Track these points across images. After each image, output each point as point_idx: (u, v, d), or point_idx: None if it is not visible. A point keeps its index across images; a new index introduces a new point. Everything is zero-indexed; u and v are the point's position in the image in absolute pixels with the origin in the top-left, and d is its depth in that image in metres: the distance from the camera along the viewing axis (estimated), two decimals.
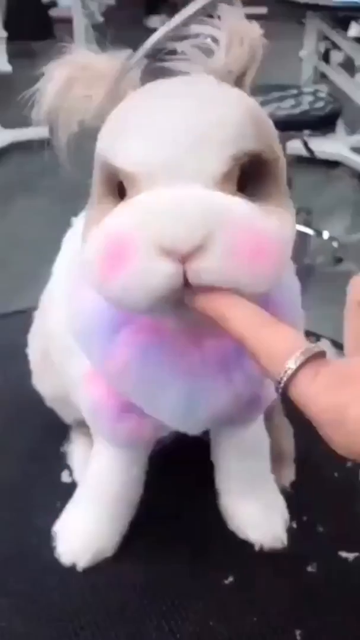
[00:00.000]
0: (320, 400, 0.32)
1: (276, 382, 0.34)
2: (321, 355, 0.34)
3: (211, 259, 0.36)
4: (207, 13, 0.45)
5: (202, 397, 0.48)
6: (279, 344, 0.34)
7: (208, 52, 0.44)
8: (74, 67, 0.45)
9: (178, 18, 0.45)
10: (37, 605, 0.57)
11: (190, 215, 0.36)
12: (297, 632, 0.55)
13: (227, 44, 0.44)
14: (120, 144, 0.40)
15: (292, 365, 0.33)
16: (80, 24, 3.70)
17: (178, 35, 0.46)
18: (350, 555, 0.61)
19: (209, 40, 0.45)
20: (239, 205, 0.38)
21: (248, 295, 0.38)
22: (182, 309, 0.39)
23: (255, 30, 0.45)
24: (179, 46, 0.45)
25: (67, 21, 3.86)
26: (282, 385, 0.33)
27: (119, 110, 0.42)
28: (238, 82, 0.44)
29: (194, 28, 0.45)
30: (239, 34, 0.44)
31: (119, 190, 0.41)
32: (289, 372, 0.33)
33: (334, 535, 0.63)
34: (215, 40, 0.44)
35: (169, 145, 0.38)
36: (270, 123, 0.43)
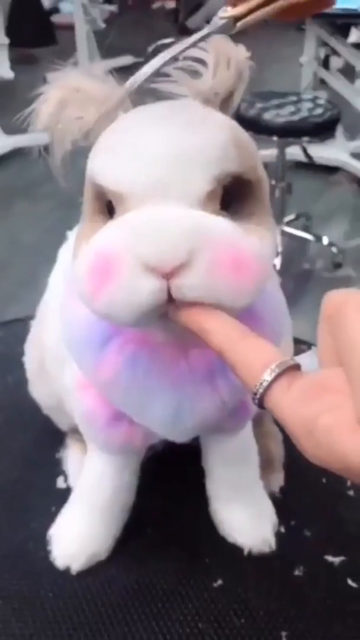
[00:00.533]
0: (293, 411, 0.34)
1: (252, 393, 0.35)
2: (295, 368, 0.35)
3: (194, 275, 0.38)
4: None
5: (189, 405, 0.50)
6: (256, 357, 0.36)
7: (195, 74, 0.46)
8: (67, 89, 0.47)
9: (177, 48, 0.47)
10: (32, 607, 0.59)
11: (173, 234, 0.38)
12: (284, 634, 0.57)
13: (214, 66, 0.45)
14: (109, 164, 0.42)
15: (267, 377, 0.35)
16: (82, 31, 3.72)
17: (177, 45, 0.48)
18: (335, 559, 0.63)
19: (196, 62, 0.46)
20: (220, 224, 0.40)
21: (229, 310, 0.39)
22: (167, 322, 0.41)
23: (241, 52, 0.46)
24: (167, 68, 0.47)
25: (69, 27, 3.89)
26: (257, 396, 0.35)
27: (109, 132, 0.44)
28: (224, 103, 0.46)
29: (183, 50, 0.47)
30: (225, 56, 0.46)
31: (108, 208, 0.43)
32: (264, 383, 0.35)
33: (320, 540, 0.65)
34: (202, 62, 0.46)
35: (155, 167, 0.40)
36: (254, 146, 0.45)
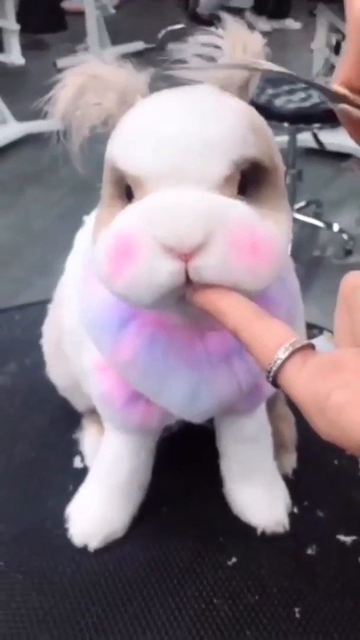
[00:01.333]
0: (305, 388, 0.34)
1: (266, 371, 0.36)
2: (309, 347, 0.36)
3: (211, 257, 0.39)
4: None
5: (206, 387, 0.51)
6: (270, 337, 0.37)
7: (212, 61, 0.47)
8: (86, 76, 0.48)
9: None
10: (51, 582, 0.61)
11: (192, 216, 0.39)
12: (296, 610, 0.58)
13: (230, 53, 0.46)
14: (128, 149, 0.43)
15: (281, 355, 0.35)
16: (92, 16, 3.71)
17: (180, 41, 0.49)
18: (347, 539, 0.64)
19: (213, 49, 0.47)
20: (238, 207, 0.41)
21: (246, 293, 0.40)
22: (184, 305, 0.42)
23: (257, 39, 0.47)
24: (185, 55, 0.47)
25: (80, 13, 3.88)
26: (271, 374, 0.36)
27: (128, 118, 0.44)
28: (241, 90, 0.47)
29: (199, 38, 0.48)
30: (241, 42, 0.46)
31: (127, 192, 0.44)
32: (278, 362, 0.35)
33: (332, 520, 0.66)
34: (219, 49, 0.47)
35: (173, 151, 0.41)
36: (270, 132, 0.45)
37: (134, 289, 0.40)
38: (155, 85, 0.49)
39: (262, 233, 0.41)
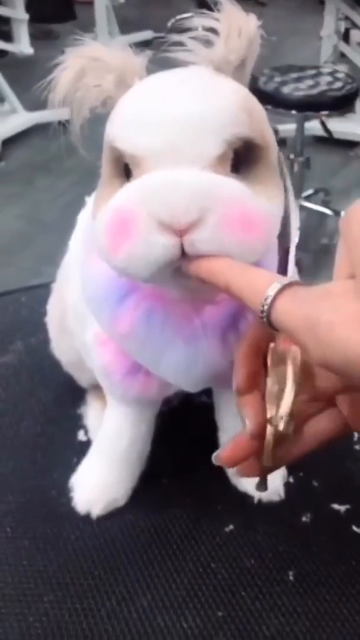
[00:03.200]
0: (297, 314, 0.36)
1: (260, 312, 0.38)
2: (297, 283, 0.38)
3: (205, 231, 0.41)
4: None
5: (202, 358, 0.53)
6: (259, 281, 0.39)
7: (208, 44, 0.49)
8: (85, 58, 0.50)
9: None
10: (56, 547, 0.64)
11: (186, 195, 0.41)
12: (290, 573, 0.61)
13: (225, 35, 0.48)
14: (126, 129, 0.45)
15: (270, 292, 0.37)
16: (101, 6, 3.72)
17: (179, 27, 0.51)
18: (341, 508, 0.67)
19: (209, 32, 0.49)
20: (231, 184, 0.43)
21: None
22: (181, 279, 0.44)
23: (252, 21, 0.49)
24: (181, 38, 0.49)
25: (89, 3, 3.88)
26: (265, 313, 0.38)
27: (126, 99, 0.46)
28: (237, 72, 0.49)
29: (195, 20, 0.50)
30: (237, 25, 0.48)
31: (125, 171, 0.46)
32: (269, 299, 0.37)
33: (327, 490, 0.68)
34: (214, 31, 0.49)
35: (168, 131, 0.43)
36: (263, 112, 0.47)
37: (132, 263, 0.43)
38: (152, 68, 0.51)
39: (253, 208, 0.43)
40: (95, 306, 0.55)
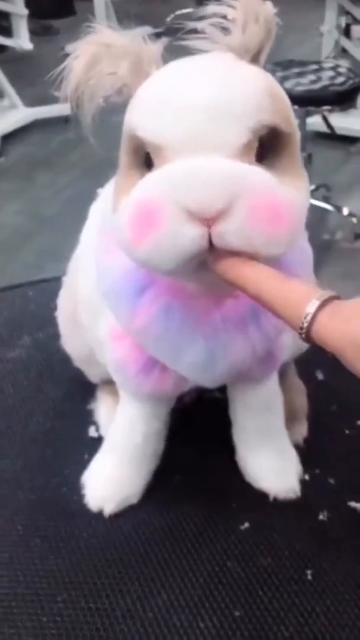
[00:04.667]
0: (340, 331, 0.35)
1: (298, 328, 0.37)
2: (336, 298, 0.37)
3: (233, 222, 0.40)
4: None
5: (221, 352, 0.52)
6: (295, 295, 0.38)
7: (225, 31, 0.48)
8: (99, 45, 0.48)
9: None
10: (68, 545, 0.62)
11: (214, 182, 0.40)
12: (308, 572, 0.60)
13: (243, 22, 0.47)
14: (148, 117, 0.43)
15: (310, 309, 0.37)
16: (101, 1, 3.70)
17: (196, 14, 0.49)
18: (358, 505, 0.65)
19: (225, 19, 0.48)
20: (258, 173, 0.42)
21: (265, 257, 0.41)
22: (203, 272, 0.43)
23: (269, 8, 0.48)
24: (198, 25, 0.48)
25: None
26: (304, 330, 0.37)
27: (147, 86, 0.45)
28: (254, 58, 0.47)
29: (211, 8, 0.48)
30: (254, 12, 0.47)
31: (146, 161, 0.45)
32: (309, 317, 0.37)
33: (343, 487, 0.67)
34: (231, 19, 0.47)
35: (192, 119, 0.42)
36: (287, 98, 0.46)
37: (158, 254, 0.41)
38: (167, 56, 0.50)
39: (281, 199, 0.42)
40: (112, 300, 0.54)
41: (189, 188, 0.40)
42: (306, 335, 0.37)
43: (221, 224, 0.40)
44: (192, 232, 0.40)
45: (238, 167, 0.41)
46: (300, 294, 0.38)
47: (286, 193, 0.42)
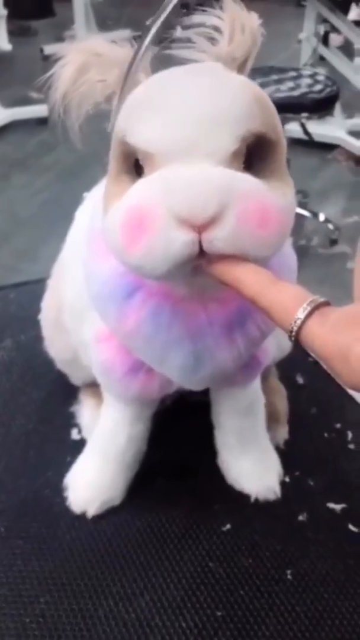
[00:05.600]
0: (328, 341, 0.36)
1: (288, 331, 0.38)
2: (326, 304, 0.39)
3: (224, 228, 0.41)
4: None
5: (208, 355, 0.53)
6: (288, 298, 0.39)
7: (212, 41, 0.49)
8: (88, 53, 0.49)
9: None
10: (51, 547, 0.63)
11: (205, 189, 0.41)
12: (288, 572, 0.61)
13: (229, 32, 0.48)
14: (139, 124, 0.44)
15: (300, 315, 0.38)
16: (80, 3, 3.69)
17: (183, 24, 0.50)
18: (337, 506, 0.67)
19: (212, 29, 0.49)
20: (247, 180, 0.43)
21: (254, 260, 0.42)
22: (194, 277, 0.44)
23: (254, 18, 0.49)
24: (185, 35, 0.49)
25: (67, 0, 3.85)
26: (293, 334, 0.38)
27: (137, 94, 0.46)
28: (240, 67, 0.48)
29: (197, 18, 0.49)
30: (240, 22, 0.48)
31: (135, 167, 0.45)
32: (299, 321, 0.38)
33: (323, 489, 0.69)
34: (218, 29, 0.48)
35: (183, 126, 0.42)
36: (273, 107, 0.47)
37: (149, 259, 0.42)
38: (158, 66, 0.50)
39: (270, 204, 0.43)
40: (100, 303, 0.54)
41: (181, 196, 0.40)
42: (295, 339, 0.38)
43: (212, 230, 0.41)
44: (183, 237, 0.41)
45: (229, 174, 0.42)
46: (292, 298, 0.39)
47: (274, 198, 0.43)
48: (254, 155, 0.44)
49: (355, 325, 0.36)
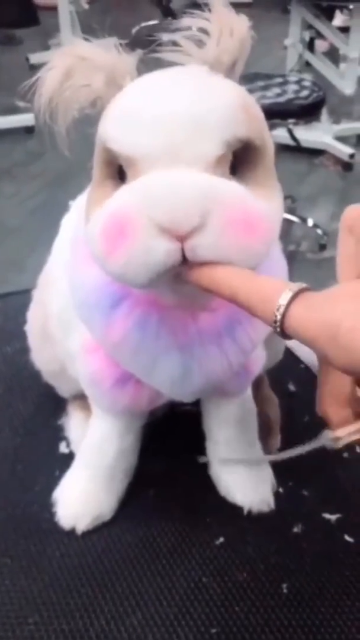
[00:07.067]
0: (314, 323, 0.35)
1: (272, 322, 0.37)
2: (308, 289, 0.37)
3: (207, 236, 0.39)
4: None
5: (197, 366, 0.52)
6: (268, 289, 0.38)
7: (199, 44, 0.47)
8: (73, 57, 0.48)
9: None
10: (40, 565, 0.61)
11: (187, 197, 0.39)
12: (284, 586, 0.59)
13: (217, 35, 0.47)
14: (121, 130, 0.43)
15: (282, 301, 0.36)
16: (65, 11, 3.69)
17: (170, 27, 0.49)
18: (332, 517, 0.65)
19: (200, 32, 0.48)
20: (232, 187, 0.41)
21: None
22: (178, 285, 0.43)
23: (243, 22, 0.48)
24: (172, 38, 0.48)
25: (52, 8, 3.85)
26: (278, 323, 0.37)
27: (121, 98, 0.45)
28: (228, 72, 0.47)
29: (185, 21, 0.48)
30: (228, 25, 0.47)
31: (119, 173, 0.44)
32: (282, 308, 0.36)
33: (317, 499, 0.67)
34: (205, 32, 0.47)
35: (166, 131, 0.41)
36: (261, 113, 0.46)
37: (130, 268, 0.40)
38: (142, 68, 0.49)
39: (255, 211, 0.41)
40: (85, 313, 0.53)
41: (162, 205, 0.39)
42: (280, 328, 0.37)
43: (194, 238, 0.39)
44: (165, 246, 0.39)
45: (213, 182, 0.40)
46: (272, 288, 0.38)
47: (259, 206, 0.42)
48: (241, 161, 0.43)
49: (341, 302, 0.34)
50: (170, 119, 0.41)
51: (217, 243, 0.40)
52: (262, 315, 0.38)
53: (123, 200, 0.41)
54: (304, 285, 0.37)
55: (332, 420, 0.43)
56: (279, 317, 0.36)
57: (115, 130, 0.43)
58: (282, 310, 0.36)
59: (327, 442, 0.44)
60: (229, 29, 0.47)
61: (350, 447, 0.45)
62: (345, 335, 0.33)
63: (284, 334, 0.37)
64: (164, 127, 0.41)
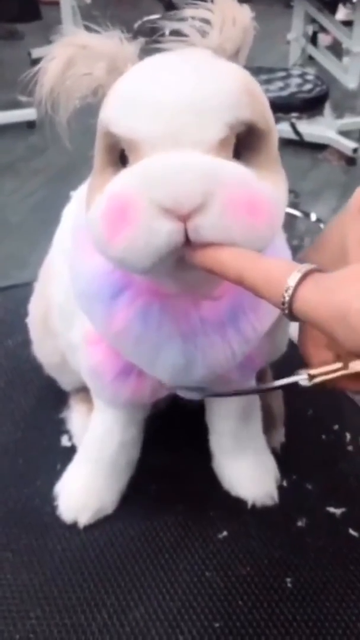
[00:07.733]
0: (324, 304, 0.34)
1: (280, 304, 0.36)
2: (317, 270, 0.36)
3: (210, 216, 0.39)
4: None
5: (200, 356, 0.51)
6: (275, 271, 0.37)
7: (202, 34, 0.47)
8: (74, 46, 0.47)
9: None
10: (41, 559, 0.60)
11: (189, 177, 0.39)
12: (288, 580, 0.59)
13: (220, 24, 0.46)
14: (123, 113, 0.42)
15: (291, 283, 0.36)
16: (67, 6, 3.67)
17: (172, 17, 0.49)
18: (337, 511, 0.65)
19: (202, 22, 0.47)
20: (235, 168, 0.41)
21: None
22: (180, 272, 0.42)
23: (246, 12, 0.47)
24: (174, 28, 0.47)
25: (54, 3, 3.83)
26: (286, 305, 0.36)
27: (121, 82, 0.44)
28: (232, 60, 0.47)
29: (188, 11, 0.48)
30: (231, 15, 0.46)
31: (120, 158, 0.43)
32: (290, 290, 0.36)
33: (321, 493, 0.67)
34: (208, 22, 0.47)
35: (168, 114, 0.40)
36: (264, 96, 0.45)
37: (133, 251, 0.40)
38: (143, 57, 0.49)
39: (259, 193, 0.41)
40: (86, 303, 0.52)
41: (163, 185, 0.38)
42: (289, 310, 0.36)
43: (197, 218, 0.39)
44: (167, 227, 0.39)
45: (214, 162, 0.40)
46: (280, 269, 0.37)
47: (263, 187, 0.41)
48: (245, 145, 0.42)
49: (352, 284, 0.34)
50: (173, 101, 0.40)
51: (220, 223, 0.39)
52: (270, 297, 0.37)
53: (123, 182, 0.41)
54: (312, 265, 0.36)
55: (312, 361, 0.44)
56: (287, 298, 0.35)
57: (117, 112, 0.42)
58: (290, 291, 0.35)
59: (302, 379, 0.44)
60: (232, 18, 0.46)
61: (323, 387, 0.44)
62: (356, 316, 0.32)
63: (292, 315, 0.36)
64: (167, 109, 0.40)
